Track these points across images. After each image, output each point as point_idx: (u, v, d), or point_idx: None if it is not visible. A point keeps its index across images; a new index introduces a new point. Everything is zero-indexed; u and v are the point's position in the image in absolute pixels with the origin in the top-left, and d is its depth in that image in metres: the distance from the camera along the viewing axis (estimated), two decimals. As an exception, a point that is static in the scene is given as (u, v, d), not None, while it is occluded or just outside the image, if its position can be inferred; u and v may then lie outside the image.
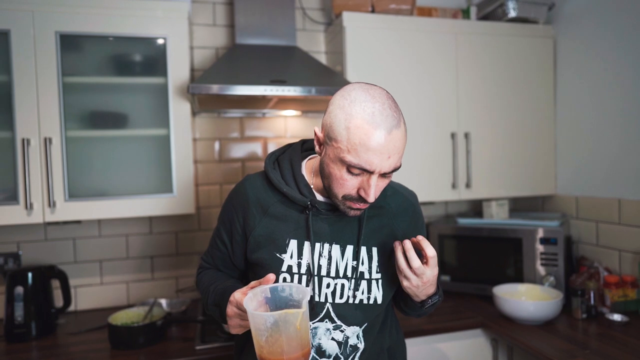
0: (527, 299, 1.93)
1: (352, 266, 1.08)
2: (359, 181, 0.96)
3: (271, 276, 0.94)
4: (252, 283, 0.98)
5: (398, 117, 0.94)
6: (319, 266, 1.07)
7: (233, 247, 1.16)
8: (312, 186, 1.10)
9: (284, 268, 1.07)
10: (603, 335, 1.72)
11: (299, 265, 1.07)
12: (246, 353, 1.17)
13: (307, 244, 1.07)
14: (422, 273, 0.99)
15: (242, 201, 1.13)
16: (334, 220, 1.09)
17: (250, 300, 0.89)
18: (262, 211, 1.10)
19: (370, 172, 0.94)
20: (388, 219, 1.14)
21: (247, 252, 1.12)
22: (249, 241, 1.10)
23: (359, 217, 1.10)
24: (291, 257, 1.07)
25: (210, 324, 1.78)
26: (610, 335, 1.72)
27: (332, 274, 1.07)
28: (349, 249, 1.08)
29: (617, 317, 1.84)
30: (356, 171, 0.94)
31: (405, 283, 1.02)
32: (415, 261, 0.98)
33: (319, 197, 1.09)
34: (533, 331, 1.78)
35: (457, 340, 1.90)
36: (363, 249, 1.09)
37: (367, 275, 1.09)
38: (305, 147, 1.17)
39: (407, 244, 1.00)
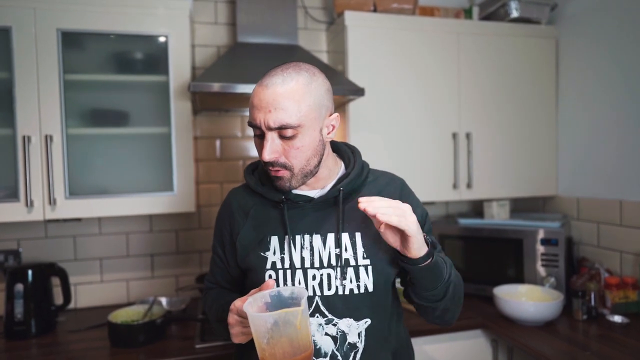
0: (527, 300, 1.93)
1: (336, 254, 1.07)
2: (263, 144, 1.01)
3: (271, 282, 0.95)
4: (252, 291, 0.98)
5: (286, 77, 0.98)
6: (302, 258, 1.07)
7: (227, 258, 1.18)
8: None
9: (269, 265, 1.07)
10: (603, 336, 1.72)
11: (282, 260, 1.07)
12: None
13: (287, 238, 1.08)
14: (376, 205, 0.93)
15: (228, 211, 1.18)
16: (312, 211, 1.10)
17: (250, 305, 0.88)
18: (245, 215, 1.14)
19: (261, 129, 0.99)
20: None
21: (238, 260, 1.14)
22: (237, 246, 1.13)
23: (337, 204, 1.09)
24: (274, 253, 1.08)
25: (210, 323, 1.78)
26: (610, 336, 1.71)
27: (317, 264, 1.06)
28: (330, 237, 1.08)
29: (617, 318, 1.84)
30: (256, 132, 1.03)
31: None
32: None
33: (295, 191, 1.11)
34: (533, 332, 1.78)
35: (457, 340, 1.90)
36: (345, 236, 1.08)
37: (352, 262, 1.06)
38: None
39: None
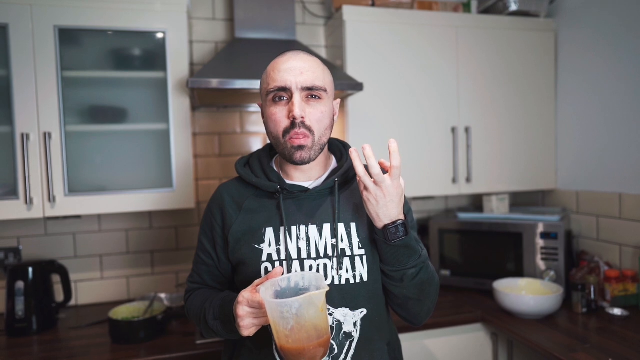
0: (527, 294, 1.93)
1: (332, 244, 1.07)
2: (287, 109, 1.03)
3: (278, 269, 0.94)
4: (257, 281, 0.96)
5: (307, 53, 1.08)
6: (299, 249, 1.06)
7: (217, 254, 1.16)
8: (281, 173, 1.14)
9: (264, 258, 1.06)
10: (603, 329, 1.72)
11: (278, 251, 1.06)
12: (236, 357, 1.14)
13: (282, 229, 1.07)
14: (381, 181, 0.94)
15: (219, 204, 1.16)
16: (307, 201, 1.10)
17: (265, 294, 0.87)
18: (238, 208, 1.13)
19: (290, 90, 1.02)
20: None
21: (229, 254, 1.12)
22: (229, 240, 1.11)
23: (333, 194, 1.10)
24: (269, 245, 1.07)
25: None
26: (610, 329, 1.72)
27: (313, 255, 1.06)
28: (326, 227, 1.08)
29: (617, 311, 1.84)
30: (280, 95, 1.03)
31: (364, 195, 0.97)
32: (375, 167, 0.93)
33: (290, 182, 1.11)
34: (533, 325, 1.78)
35: (457, 334, 1.90)
36: (341, 226, 1.08)
37: (348, 252, 1.07)
38: (274, 151, 1.22)
39: (367, 150, 0.93)
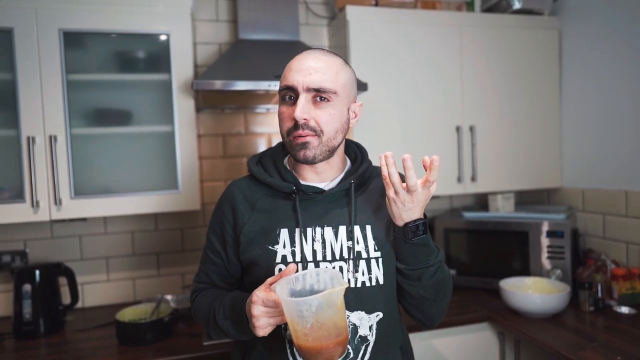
0: (534, 292, 1.93)
1: (348, 246, 1.06)
2: (293, 109, 1.02)
3: (292, 267, 0.93)
4: (270, 279, 0.94)
5: (327, 52, 1.06)
6: (314, 251, 1.05)
7: (227, 253, 1.13)
8: (295, 173, 1.11)
9: (279, 259, 1.04)
10: (611, 327, 1.72)
11: (293, 253, 1.04)
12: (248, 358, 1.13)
13: (298, 231, 1.05)
14: (414, 190, 0.94)
15: (230, 203, 1.13)
16: (322, 203, 1.08)
17: (281, 292, 0.85)
18: (250, 208, 1.10)
19: (297, 90, 1.01)
20: (377, 196, 1.12)
21: (240, 254, 1.09)
22: (240, 240, 1.09)
23: (349, 195, 1.09)
24: (284, 246, 1.05)
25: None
26: (618, 327, 1.71)
27: (329, 257, 1.05)
28: (342, 229, 1.07)
29: (624, 309, 1.84)
30: (288, 95, 1.03)
31: (391, 197, 0.96)
32: (413, 179, 0.92)
33: (305, 183, 1.10)
34: (540, 324, 1.78)
35: (463, 334, 1.90)
36: (356, 228, 1.07)
37: (364, 255, 1.06)
38: (286, 150, 1.18)
39: (409, 161, 0.91)
